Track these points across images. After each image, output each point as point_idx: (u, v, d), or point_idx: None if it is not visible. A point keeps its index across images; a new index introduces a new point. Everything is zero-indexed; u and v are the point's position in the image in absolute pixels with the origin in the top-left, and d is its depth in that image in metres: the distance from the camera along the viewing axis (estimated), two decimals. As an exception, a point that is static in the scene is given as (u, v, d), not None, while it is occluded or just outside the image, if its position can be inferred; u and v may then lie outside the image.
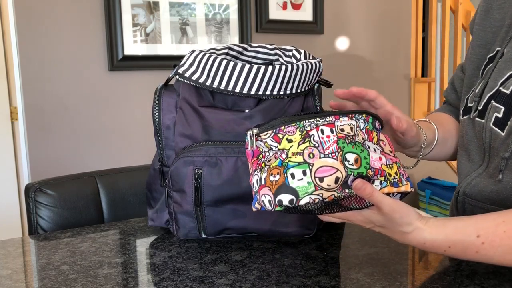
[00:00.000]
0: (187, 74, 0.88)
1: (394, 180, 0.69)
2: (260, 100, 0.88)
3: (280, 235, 0.90)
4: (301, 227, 0.89)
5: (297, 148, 0.66)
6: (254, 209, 0.68)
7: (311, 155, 0.65)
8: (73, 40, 2.09)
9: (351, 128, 0.68)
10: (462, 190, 0.84)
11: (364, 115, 0.71)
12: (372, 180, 0.67)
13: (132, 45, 2.17)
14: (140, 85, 2.23)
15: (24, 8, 1.99)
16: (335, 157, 0.65)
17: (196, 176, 0.85)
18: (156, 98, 0.91)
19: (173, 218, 0.90)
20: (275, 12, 2.49)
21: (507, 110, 0.74)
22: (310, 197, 0.64)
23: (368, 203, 0.68)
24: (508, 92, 0.74)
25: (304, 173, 0.64)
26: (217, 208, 0.87)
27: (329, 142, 0.66)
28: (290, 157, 0.65)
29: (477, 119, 0.80)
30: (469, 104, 0.84)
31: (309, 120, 0.68)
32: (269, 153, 0.68)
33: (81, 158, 2.14)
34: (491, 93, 0.78)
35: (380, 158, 0.68)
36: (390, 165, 0.69)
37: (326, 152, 0.65)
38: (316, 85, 0.93)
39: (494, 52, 0.83)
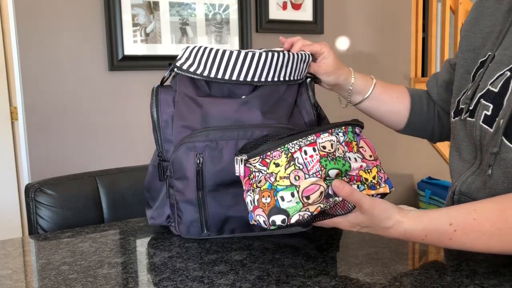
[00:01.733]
0: (184, 67, 0.91)
1: (372, 183, 0.77)
2: (256, 88, 0.91)
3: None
4: None
5: (284, 172, 0.72)
6: (251, 223, 0.75)
7: (297, 177, 0.72)
8: (73, 40, 2.09)
9: (331, 145, 0.75)
10: (457, 189, 0.85)
11: (343, 127, 0.78)
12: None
13: (132, 45, 2.17)
14: (140, 85, 2.23)
15: (24, 8, 1.99)
16: (319, 175, 0.72)
17: (198, 161, 0.86)
18: (153, 96, 0.93)
19: (175, 210, 0.90)
20: (275, 12, 2.49)
21: (495, 107, 0.76)
22: (299, 214, 0.71)
23: (351, 206, 0.74)
24: (496, 90, 0.77)
25: (292, 195, 0.71)
26: (219, 194, 0.88)
27: (313, 162, 0.73)
28: (279, 181, 0.72)
29: (468, 118, 0.82)
30: (461, 106, 0.86)
31: (293, 142, 0.74)
32: (259, 173, 0.75)
33: (81, 158, 2.14)
34: (481, 93, 0.80)
35: (361, 166, 0.76)
36: (369, 170, 0.77)
37: (311, 173, 0.72)
38: (308, 80, 0.98)
39: (486, 57, 0.85)
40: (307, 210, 0.71)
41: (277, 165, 0.73)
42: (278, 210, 0.71)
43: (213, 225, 0.89)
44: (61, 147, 2.10)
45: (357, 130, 0.80)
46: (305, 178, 0.71)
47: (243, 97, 0.90)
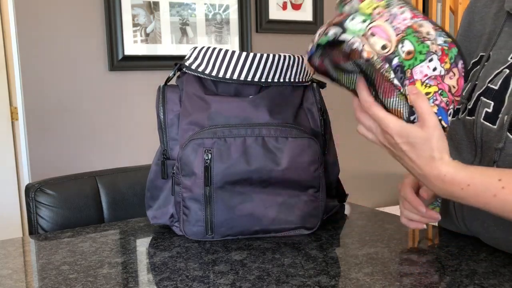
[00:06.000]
0: (193, 67, 0.93)
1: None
2: (262, 88, 0.93)
3: (283, 229, 0.91)
4: (304, 219, 0.91)
5: (374, 3, 0.67)
6: (305, 59, 0.72)
7: (379, 14, 0.66)
8: (73, 40, 2.09)
9: (428, 33, 0.68)
10: None
11: (450, 39, 0.69)
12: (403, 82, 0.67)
13: (132, 45, 2.17)
14: (140, 85, 2.23)
15: (24, 8, 1.99)
16: (396, 32, 0.66)
17: (206, 157, 0.87)
18: (159, 95, 0.95)
19: (181, 208, 0.91)
20: (275, 12, 2.49)
21: (496, 104, 0.77)
22: (352, 37, 0.66)
23: (406, 114, 0.67)
24: (496, 87, 0.78)
25: (363, 21, 0.66)
26: (225, 192, 0.88)
27: (401, 21, 0.67)
28: (362, 8, 0.67)
29: (467, 117, 0.82)
30: (457, 107, 0.86)
31: (400, 0, 0.68)
32: (350, 8, 0.69)
33: (81, 158, 2.14)
34: (479, 91, 0.81)
35: (426, 75, 0.68)
36: (429, 85, 0.68)
37: (393, 24, 0.66)
38: (315, 84, 0.99)
39: (478, 58, 0.86)
40: (362, 44, 0.66)
41: (371, 1, 0.68)
42: (341, 25, 0.67)
43: (218, 226, 0.89)
44: (61, 147, 2.10)
45: (460, 64, 0.70)
46: (384, 21, 0.66)
47: (250, 97, 0.92)
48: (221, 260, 0.81)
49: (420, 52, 0.67)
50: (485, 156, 0.80)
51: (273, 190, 0.89)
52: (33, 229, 1.09)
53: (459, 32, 0.94)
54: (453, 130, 0.87)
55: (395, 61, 0.66)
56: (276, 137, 0.88)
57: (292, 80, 0.95)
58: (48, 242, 0.93)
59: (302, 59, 0.96)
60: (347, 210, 1.08)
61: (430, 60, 0.68)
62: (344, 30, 0.66)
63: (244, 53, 0.92)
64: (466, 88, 0.84)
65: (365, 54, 0.66)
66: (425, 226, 0.84)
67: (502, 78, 0.77)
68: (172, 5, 2.24)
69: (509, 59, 0.79)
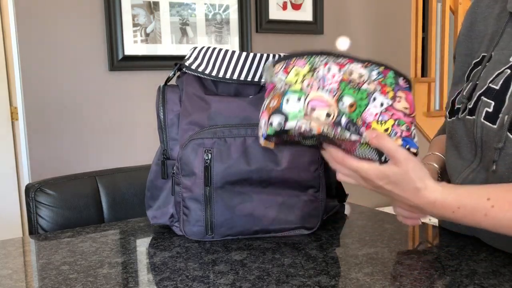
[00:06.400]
0: (193, 67, 0.93)
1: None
2: (262, 88, 0.93)
3: (283, 229, 0.91)
4: (304, 219, 0.91)
5: (301, 78, 0.68)
6: (260, 142, 0.72)
7: (309, 86, 0.67)
8: (73, 40, 2.09)
9: (360, 76, 0.68)
10: None
11: (382, 68, 0.70)
12: (359, 132, 0.68)
13: (132, 45, 2.17)
14: (140, 85, 2.23)
15: (24, 8, 1.99)
16: (332, 94, 0.67)
17: (206, 157, 0.87)
18: (159, 95, 0.95)
19: (181, 208, 0.91)
20: (275, 12, 2.49)
21: (497, 104, 0.77)
22: (297, 122, 0.66)
23: (375, 156, 0.68)
24: (497, 87, 0.78)
25: (299, 99, 0.67)
26: (225, 192, 0.88)
27: (332, 80, 0.68)
28: (290, 82, 0.68)
29: (467, 117, 0.83)
30: (456, 106, 0.86)
31: (322, 57, 0.69)
32: (279, 84, 0.70)
33: (81, 158, 2.14)
34: (480, 91, 0.81)
35: (376, 114, 0.68)
36: (383, 122, 0.69)
37: (325, 88, 0.67)
38: None
39: (479, 58, 0.86)
40: (308, 123, 0.66)
41: (296, 74, 0.69)
42: (279, 112, 0.67)
43: (217, 226, 0.89)
44: (61, 147, 2.10)
45: (401, 81, 0.71)
46: (317, 90, 0.67)
47: (250, 97, 0.92)
48: (221, 260, 0.81)
49: (361, 99, 0.68)
50: (485, 155, 0.80)
51: (273, 190, 0.89)
52: (33, 229, 1.09)
53: (462, 31, 0.94)
54: (452, 129, 0.87)
55: (343, 120, 0.67)
56: None
57: None
58: (48, 242, 0.93)
59: None
60: (347, 210, 1.08)
61: (374, 100, 0.69)
62: (286, 117, 0.67)
63: (244, 53, 0.92)
64: (467, 88, 0.84)
65: (315, 131, 0.67)
66: (420, 222, 0.84)
67: (503, 78, 0.78)
68: (172, 5, 2.24)
69: (510, 59, 0.79)
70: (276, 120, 0.67)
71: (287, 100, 0.67)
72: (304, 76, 0.68)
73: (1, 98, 2.68)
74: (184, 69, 0.95)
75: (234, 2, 2.38)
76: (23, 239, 0.98)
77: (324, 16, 2.64)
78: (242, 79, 0.92)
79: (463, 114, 0.83)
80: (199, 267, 0.78)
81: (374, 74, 0.70)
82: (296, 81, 0.68)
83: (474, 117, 0.80)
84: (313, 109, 0.66)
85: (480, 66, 0.84)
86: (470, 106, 0.82)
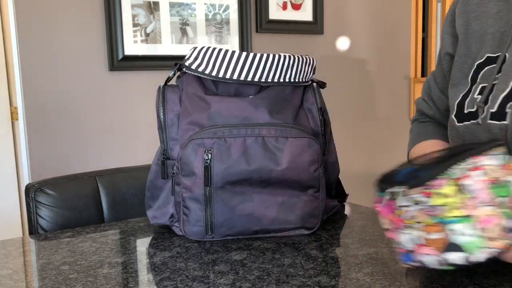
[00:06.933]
0: (193, 67, 0.93)
1: None
2: (262, 88, 0.94)
3: (283, 229, 0.91)
4: (304, 219, 0.91)
5: (455, 201, 0.62)
6: (408, 265, 0.68)
7: (469, 207, 0.62)
8: (73, 40, 2.09)
9: (493, 170, 0.64)
10: None
11: (500, 148, 0.65)
12: None
13: (132, 45, 2.17)
14: (140, 85, 2.23)
15: (24, 8, 1.99)
16: (492, 204, 0.62)
17: (206, 157, 0.87)
18: (159, 95, 0.95)
19: (181, 208, 0.91)
20: (275, 12, 2.49)
21: None
22: (482, 252, 0.61)
23: None
24: None
25: (469, 228, 0.61)
26: (225, 192, 0.88)
27: (482, 189, 0.62)
28: (447, 212, 0.62)
29: (493, 121, 0.79)
30: (469, 110, 0.84)
31: (455, 167, 0.64)
32: (412, 207, 0.65)
33: (81, 158, 2.14)
34: (503, 94, 0.78)
35: None
36: None
37: (483, 201, 0.62)
38: (315, 84, 1.00)
39: (483, 59, 0.84)
40: (492, 247, 0.61)
41: (445, 195, 0.63)
42: (455, 247, 0.62)
43: (217, 226, 0.89)
44: (61, 147, 2.10)
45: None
46: (479, 207, 0.61)
47: (250, 97, 0.92)
48: (221, 260, 0.81)
49: (507, 191, 0.63)
50: None
51: (273, 190, 0.89)
52: (33, 229, 1.09)
53: (461, 31, 0.92)
54: (468, 134, 0.84)
55: (510, 222, 0.62)
56: (276, 137, 0.88)
57: (292, 80, 0.95)
58: (48, 242, 0.93)
59: (302, 59, 0.96)
60: (347, 210, 1.08)
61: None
62: (467, 251, 0.62)
63: (244, 53, 0.92)
64: (478, 91, 0.82)
65: (503, 249, 0.62)
66: None
67: None
68: (172, 5, 2.24)
69: None
70: (457, 256, 0.62)
71: (456, 231, 0.61)
72: (454, 197, 0.62)
73: (1, 98, 2.68)
74: (184, 69, 0.95)
75: (234, 2, 2.38)
76: (23, 239, 0.98)
77: (324, 16, 2.65)
78: (242, 79, 0.92)
79: (485, 119, 0.80)
80: (199, 267, 0.78)
81: (495, 159, 0.65)
82: (449, 203, 0.62)
83: (505, 122, 0.78)
84: (487, 230, 0.61)
85: (487, 67, 0.82)
86: (493, 110, 0.79)
